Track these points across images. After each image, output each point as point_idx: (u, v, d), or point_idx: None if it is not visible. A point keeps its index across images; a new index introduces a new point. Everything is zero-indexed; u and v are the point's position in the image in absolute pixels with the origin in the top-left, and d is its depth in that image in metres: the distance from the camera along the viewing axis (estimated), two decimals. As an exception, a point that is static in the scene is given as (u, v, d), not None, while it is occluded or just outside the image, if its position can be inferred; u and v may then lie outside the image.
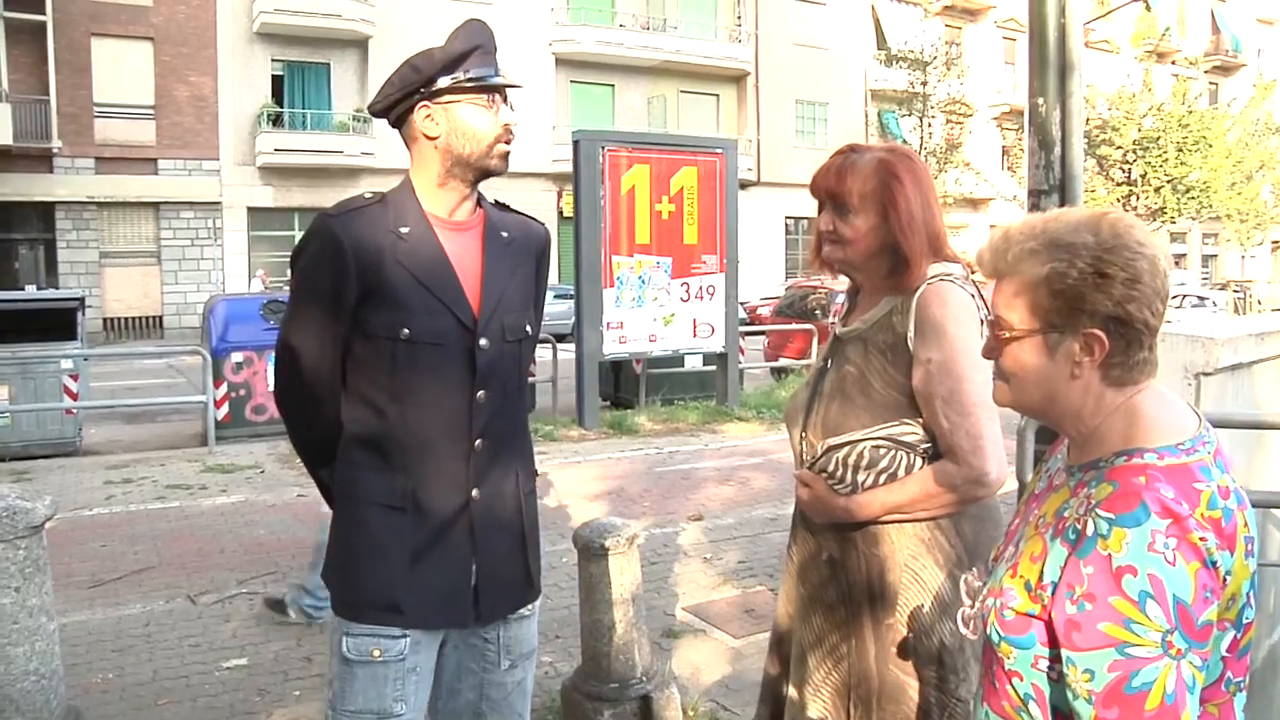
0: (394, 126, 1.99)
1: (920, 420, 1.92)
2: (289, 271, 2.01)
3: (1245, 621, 1.28)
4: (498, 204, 2.10)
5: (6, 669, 3.02)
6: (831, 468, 1.98)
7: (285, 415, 2.04)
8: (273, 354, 2.06)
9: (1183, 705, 1.16)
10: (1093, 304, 1.26)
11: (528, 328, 2.06)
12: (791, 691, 2.13)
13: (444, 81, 1.90)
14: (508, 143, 1.97)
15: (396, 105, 1.94)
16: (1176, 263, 42.20)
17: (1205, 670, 1.19)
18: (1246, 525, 1.25)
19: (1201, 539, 1.17)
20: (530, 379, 11.93)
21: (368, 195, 1.96)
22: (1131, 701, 1.16)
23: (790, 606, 2.17)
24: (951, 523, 1.94)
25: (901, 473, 1.93)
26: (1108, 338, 1.26)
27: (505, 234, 2.03)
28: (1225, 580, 1.21)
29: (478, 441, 1.95)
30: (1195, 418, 1.32)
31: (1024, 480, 3.77)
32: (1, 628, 3.02)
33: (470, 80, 1.91)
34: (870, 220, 1.98)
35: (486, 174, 1.97)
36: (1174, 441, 1.26)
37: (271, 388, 2.12)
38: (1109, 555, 1.18)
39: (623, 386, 11.60)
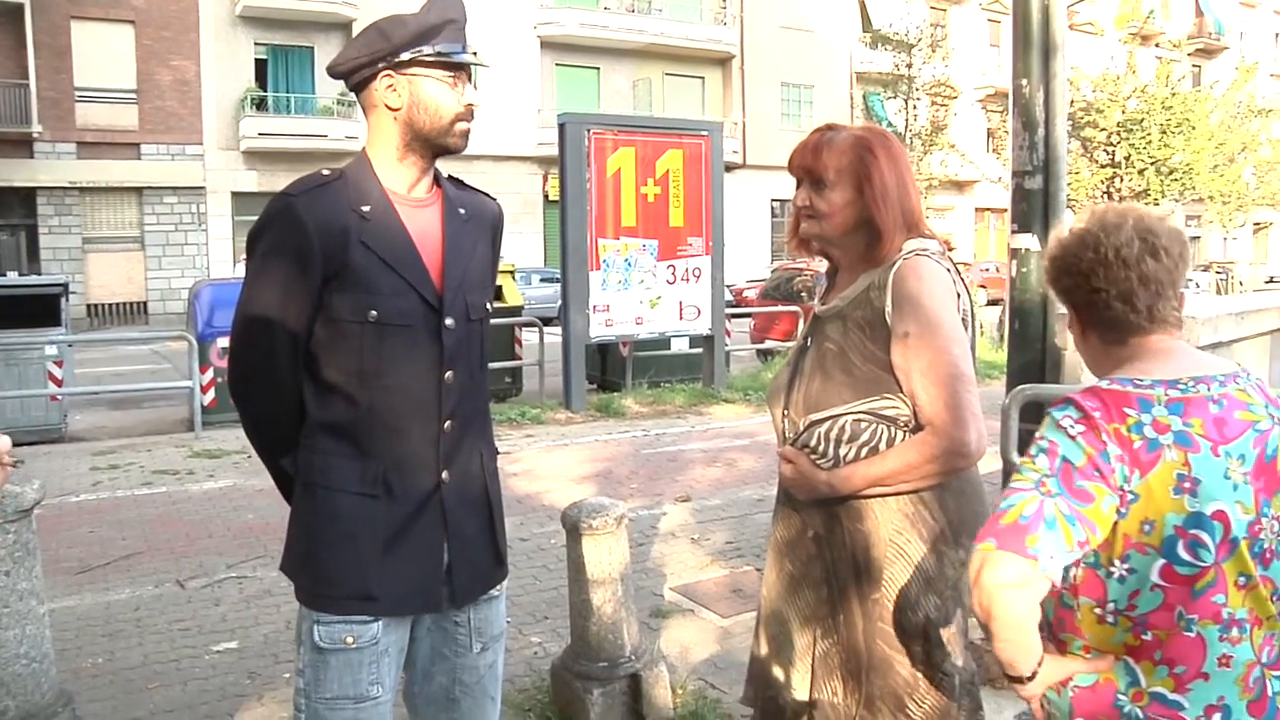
0: (352, 91, 1.94)
1: (901, 394, 1.94)
2: (246, 253, 1.91)
3: (1189, 560, 1.38)
4: (453, 179, 2.06)
5: (-3, 652, 3.03)
6: (814, 442, 2.00)
7: (243, 405, 1.96)
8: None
9: (1033, 528, 1.33)
10: (1055, 287, 1.63)
11: (487, 306, 2.03)
12: (779, 669, 2.16)
13: (411, 53, 1.86)
14: (468, 121, 1.93)
15: (359, 70, 1.90)
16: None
17: (1075, 526, 1.34)
18: (1187, 465, 1.38)
19: (1104, 440, 1.38)
20: (517, 362, 11.76)
21: (325, 172, 1.90)
22: (994, 519, 1.37)
23: (776, 585, 2.19)
24: (935, 497, 1.97)
25: (883, 446, 1.95)
26: (1072, 308, 1.61)
27: (463, 210, 2.00)
28: (1124, 493, 1.38)
29: (447, 423, 1.91)
30: (1193, 372, 1.47)
31: (1008, 458, 3.80)
32: (-9, 611, 3.03)
33: (438, 55, 1.87)
34: (845, 194, 2.00)
35: (445, 151, 1.93)
36: (1135, 376, 1.46)
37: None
38: (1036, 436, 1.44)
39: (609, 369, 11.61)
